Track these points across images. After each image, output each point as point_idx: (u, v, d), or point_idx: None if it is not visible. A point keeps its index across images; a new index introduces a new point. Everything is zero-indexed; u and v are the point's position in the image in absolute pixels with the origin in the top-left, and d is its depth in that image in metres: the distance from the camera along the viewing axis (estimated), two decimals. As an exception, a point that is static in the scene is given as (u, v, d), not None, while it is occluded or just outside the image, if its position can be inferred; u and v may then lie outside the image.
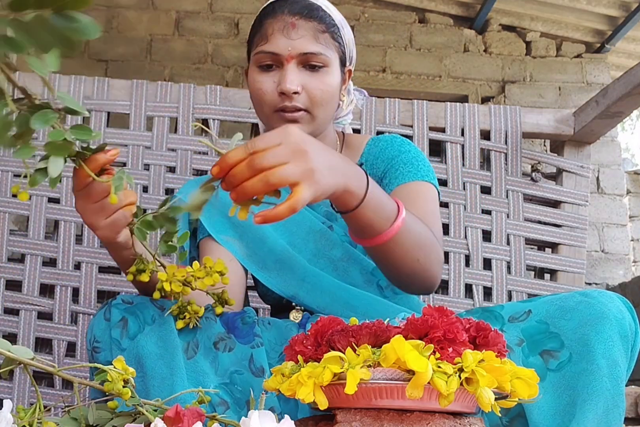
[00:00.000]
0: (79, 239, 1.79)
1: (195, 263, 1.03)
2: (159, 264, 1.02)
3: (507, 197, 1.90)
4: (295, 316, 1.23)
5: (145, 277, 1.01)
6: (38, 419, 0.81)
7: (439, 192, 1.27)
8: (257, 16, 1.24)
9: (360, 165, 1.26)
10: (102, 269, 1.78)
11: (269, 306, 1.37)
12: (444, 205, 1.87)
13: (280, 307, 1.28)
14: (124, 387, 0.81)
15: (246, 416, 0.76)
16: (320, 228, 1.25)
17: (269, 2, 1.23)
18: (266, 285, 1.25)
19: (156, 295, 1.03)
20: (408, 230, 1.02)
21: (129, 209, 0.95)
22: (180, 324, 1.05)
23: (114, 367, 0.82)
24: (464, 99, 4.73)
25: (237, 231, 1.26)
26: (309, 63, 1.18)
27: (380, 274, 1.24)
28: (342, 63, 1.24)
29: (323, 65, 1.19)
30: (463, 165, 1.90)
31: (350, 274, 1.23)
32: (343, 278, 1.23)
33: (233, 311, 1.13)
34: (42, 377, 1.69)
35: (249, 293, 1.50)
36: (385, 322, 0.87)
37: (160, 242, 0.97)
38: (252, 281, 1.36)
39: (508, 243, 1.88)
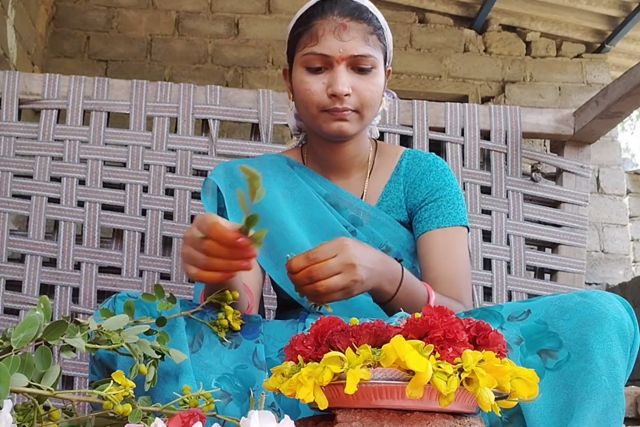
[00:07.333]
0: (79, 239, 1.79)
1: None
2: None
3: (507, 197, 1.90)
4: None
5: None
6: (38, 419, 0.81)
7: (468, 229, 1.33)
8: (302, 15, 1.24)
9: (394, 175, 1.33)
10: (102, 269, 1.78)
11: (274, 309, 1.37)
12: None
13: (292, 303, 1.28)
14: (123, 403, 0.80)
15: (248, 408, 0.76)
16: (342, 231, 1.26)
17: (316, 1, 1.24)
18: (277, 284, 1.27)
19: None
20: None
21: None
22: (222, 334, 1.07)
23: (114, 382, 0.80)
24: (464, 99, 4.72)
25: (260, 221, 1.26)
26: (358, 65, 1.20)
27: None
28: (385, 63, 1.27)
29: (372, 67, 1.21)
30: (463, 165, 1.90)
31: None
32: None
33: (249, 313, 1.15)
34: (42, 377, 1.69)
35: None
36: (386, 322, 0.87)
37: None
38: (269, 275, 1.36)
39: (508, 243, 1.88)
